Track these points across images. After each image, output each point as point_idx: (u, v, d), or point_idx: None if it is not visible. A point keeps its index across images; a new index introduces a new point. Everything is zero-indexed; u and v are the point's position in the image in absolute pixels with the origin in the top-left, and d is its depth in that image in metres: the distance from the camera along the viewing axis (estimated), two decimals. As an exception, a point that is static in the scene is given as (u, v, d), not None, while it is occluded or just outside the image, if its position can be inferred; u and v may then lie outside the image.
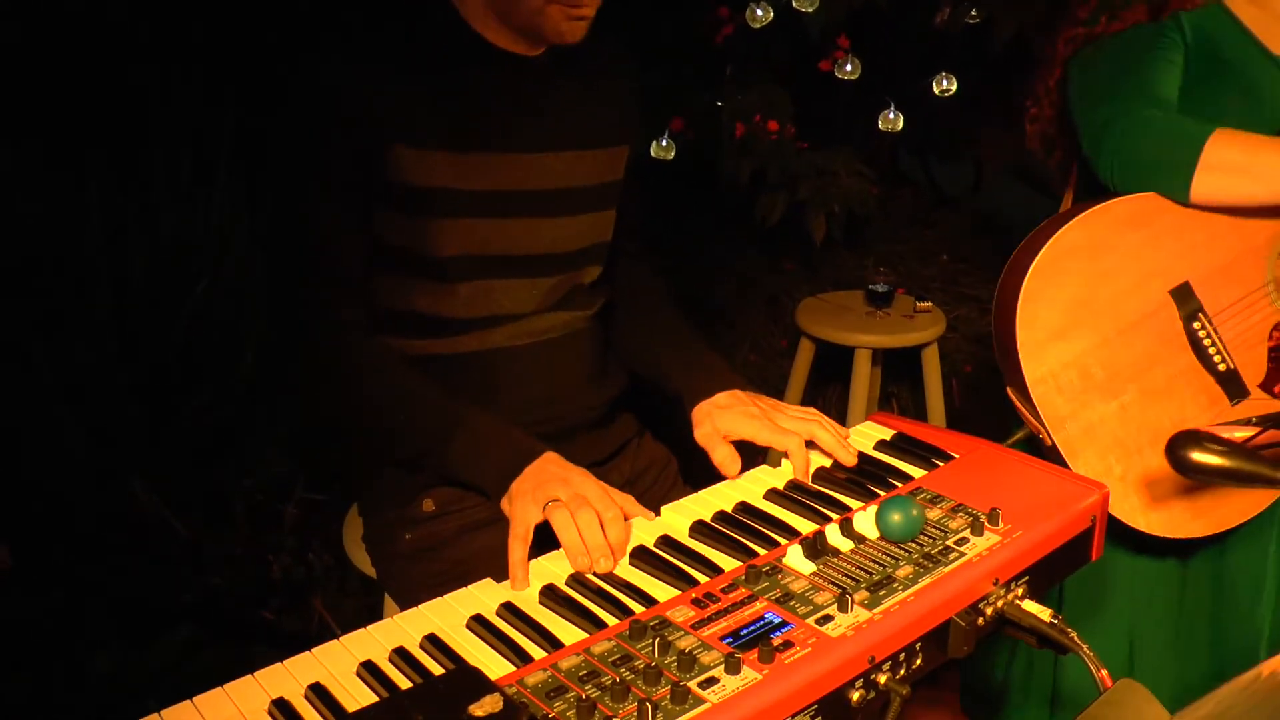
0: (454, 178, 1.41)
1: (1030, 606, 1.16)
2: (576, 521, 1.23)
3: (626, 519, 1.27)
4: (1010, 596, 1.16)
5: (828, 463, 1.43)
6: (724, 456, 1.43)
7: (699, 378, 1.55)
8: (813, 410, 1.48)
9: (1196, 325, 1.64)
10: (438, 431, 1.37)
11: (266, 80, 2.19)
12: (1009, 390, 1.63)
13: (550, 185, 1.50)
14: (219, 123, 3.01)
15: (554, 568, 1.22)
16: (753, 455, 1.47)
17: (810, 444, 1.42)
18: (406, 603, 1.16)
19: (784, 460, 1.43)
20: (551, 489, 1.27)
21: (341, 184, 1.39)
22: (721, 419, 1.47)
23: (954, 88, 4.03)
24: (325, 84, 1.37)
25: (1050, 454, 1.58)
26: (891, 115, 3.97)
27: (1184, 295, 1.64)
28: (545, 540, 1.25)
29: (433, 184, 1.40)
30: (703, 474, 1.45)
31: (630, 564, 1.23)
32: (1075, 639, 1.11)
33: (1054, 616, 1.14)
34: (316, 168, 1.38)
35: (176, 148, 2.99)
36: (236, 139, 3.01)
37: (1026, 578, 1.19)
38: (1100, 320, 1.60)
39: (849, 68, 3.97)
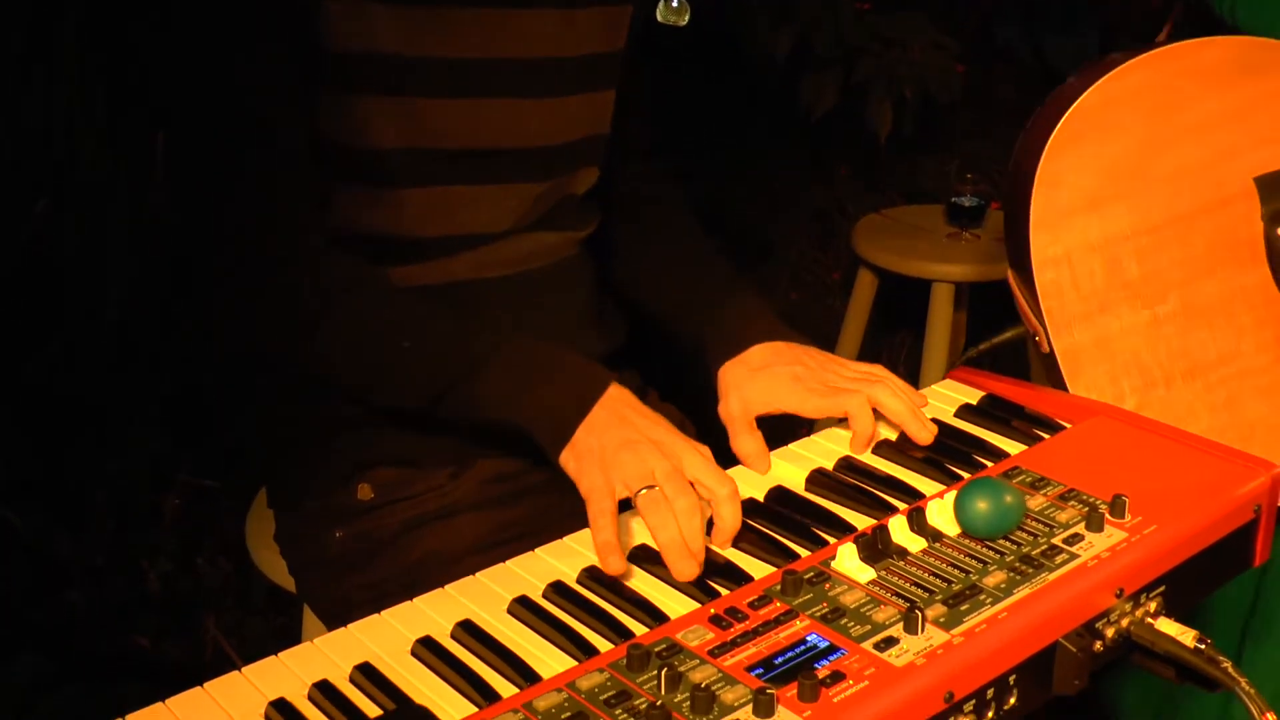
0: (398, 40, 1.40)
1: (1167, 627, 1.16)
2: (674, 511, 1.23)
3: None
4: (1140, 613, 1.17)
5: (893, 434, 1.43)
6: (749, 450, 1.42)
7: (724, 326, 1.55)
8: (877, 367, 1.49)
9: None
10: (461, 361, 1.36)
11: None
12: (1009, 274, 1.62)
13: (531, 53, 1.50)
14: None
15: (524, 572, 1.23)
16: (794, 427, 1.47)
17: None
18: (335, 622, 1.17)
19: (836, 430, 1.44)
20: (644, 456, 1.28)
21: (280, 46, 1.37)
22: (752, 388, 1.47)
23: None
24: None
25: (1046, 364, 1.59)
26: (984, -35, 3.94)
27: (1275, 187, 1.63)
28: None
29: (369, 48, 1.40)
30: (728, 449, 1.45)
31: (630, 565, 1.24)
32: (1231, 671, 1.12)
33: (1200, 640, 1.14)
34: (246, 25, 1.37)
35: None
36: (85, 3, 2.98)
37: (1162, 588, 1.19)
38: (1150, 198, 1.59)
39: (926, -101, 3.96)
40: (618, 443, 1.30)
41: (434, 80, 1.44)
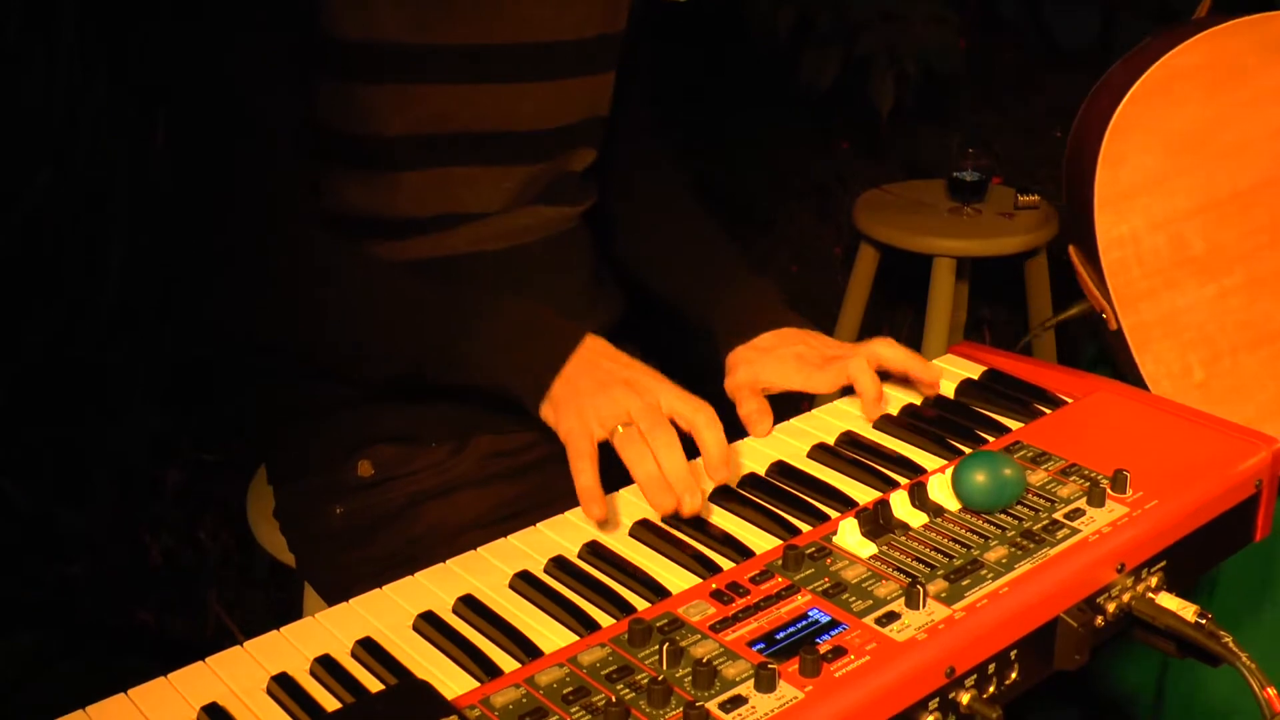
0: (399, 27, 1.41)
1: (1168, 601, 1.16)
2: (651, 445, 1.24)
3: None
4: (1141, 588, 1.17)
5: (894, 409, 1.43)
6: (752, 410, 1.44)
7: (732, 312, 1.57)
8: (884, 340, 1.49)
9: None
10: (443, 327, 1.38)
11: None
12: (1071, 250, 1.64)
13: (530, 38, 1.50)
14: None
15: (525, 547, 1.23)
16: (796, 403, 1.47)
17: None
18: (335, 598, 1.18)
19: (837, 404, 1.44)
20: (618, 397, 1.29)
21: (273, 36, 1.38)
22: (761, 366, 1.50)
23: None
24: None
25: (1115, 341, 1.60)
26: (986, -62, 3.93)
27: None
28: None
29: (371, 35, 1.40)
30: (730, 426, 1.46)
31: (631, 540, 1.24)
32: (1231, 646, 1.12)
33: (1201, 615, 1.14)
34: (240, 14, 1.38)
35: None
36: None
37: (1163, 563, 1.19)
38: (1212, 174, 1.61)
39: None
40: (592, 386, 1.31)
41: (434, 66, 1.44)
